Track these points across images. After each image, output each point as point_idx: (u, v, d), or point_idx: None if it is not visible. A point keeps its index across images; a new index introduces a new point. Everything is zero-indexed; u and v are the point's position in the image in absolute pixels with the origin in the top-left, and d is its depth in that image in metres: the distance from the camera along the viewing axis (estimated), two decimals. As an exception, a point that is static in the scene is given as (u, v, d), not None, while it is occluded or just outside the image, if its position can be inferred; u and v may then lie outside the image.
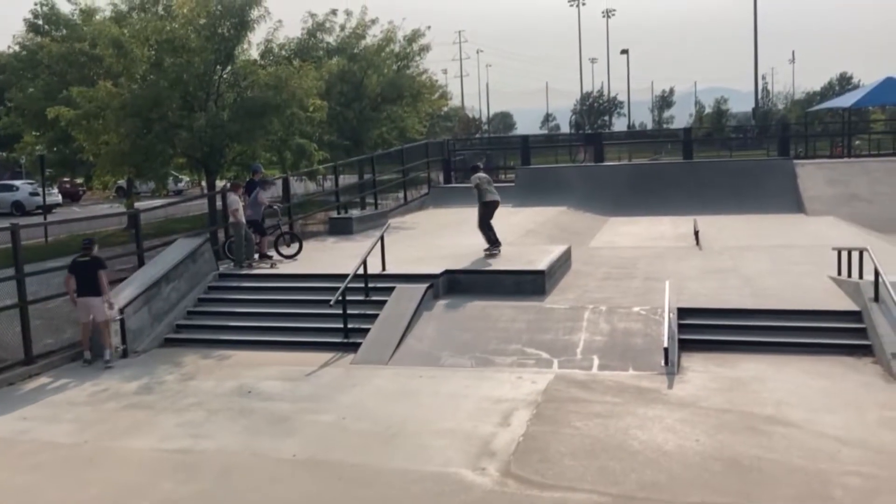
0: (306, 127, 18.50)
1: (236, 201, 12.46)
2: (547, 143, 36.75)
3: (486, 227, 12.99)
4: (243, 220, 12.57)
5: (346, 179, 22.79)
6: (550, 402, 7.63)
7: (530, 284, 11.04)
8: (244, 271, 12.38)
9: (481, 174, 13.28)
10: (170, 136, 16.33)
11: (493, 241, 12.97)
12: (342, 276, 10.74)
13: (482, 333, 9.69)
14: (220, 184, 17.66)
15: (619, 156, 39.99)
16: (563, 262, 12.59)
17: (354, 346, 9.73)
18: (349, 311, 10.25)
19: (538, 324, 9.79)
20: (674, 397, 7.66)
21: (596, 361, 8.76)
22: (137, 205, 18.15)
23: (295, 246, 13.60)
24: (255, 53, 18.81)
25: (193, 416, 7.79)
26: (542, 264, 11.48)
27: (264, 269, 12.44)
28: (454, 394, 8.02)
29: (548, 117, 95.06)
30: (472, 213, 20.69)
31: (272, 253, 13.26)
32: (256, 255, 12.92)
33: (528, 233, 16.57)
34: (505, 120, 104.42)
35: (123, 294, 10.61)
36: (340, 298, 10.07)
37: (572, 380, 8.26)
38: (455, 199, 23.19)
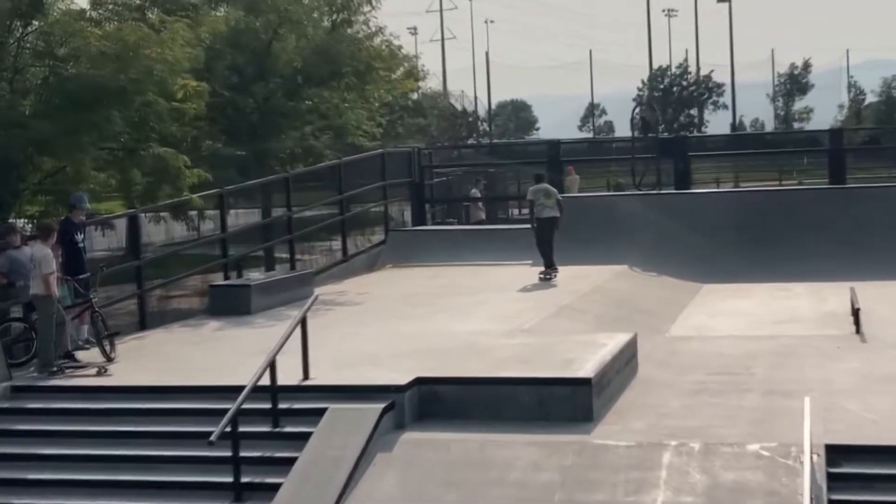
0: (171, 127, 18.61)
1: (46, 259, 12.44)
2: (591, 153, 37.25)
3: (542, 244, 19.56)
4: (56, 291, 12.56)
5: (242, 218, 22.87)
6: None
7: (566, 404, 11.04)
8: (56, 381, 12.32)
9: (540, 186, 19.72)
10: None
11: (549, 264, 19.34)
12: (231, 391, 10.66)
13: (481, 493, 9.61)
14: (20, 225, 17.63)
15: (719, 177, 40.74)
16: (625, 363, 12.64)
17: (252, 517, 9.66)
18: (244, 454, 10.18)
19: (581, 476, 9.73)
20: None
21: (685, 542, 8.66)
22: None
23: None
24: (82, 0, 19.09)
25: None
26: (586, 368, 11.51)
27: (86, 377, 12.41)
28: None
29: (592, 110, 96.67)
30: (462, 274, 21.00)
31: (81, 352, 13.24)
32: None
33: (562, 310, 16.65)
34: (519, 114, 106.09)
35: None
36: (228, 431, 9.96)
37: (643, 576, 8.20)
38: (432, 249, 23.32)
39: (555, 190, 20.50)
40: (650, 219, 23.27)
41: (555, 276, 19.58)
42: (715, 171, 40.53)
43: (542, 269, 19.74)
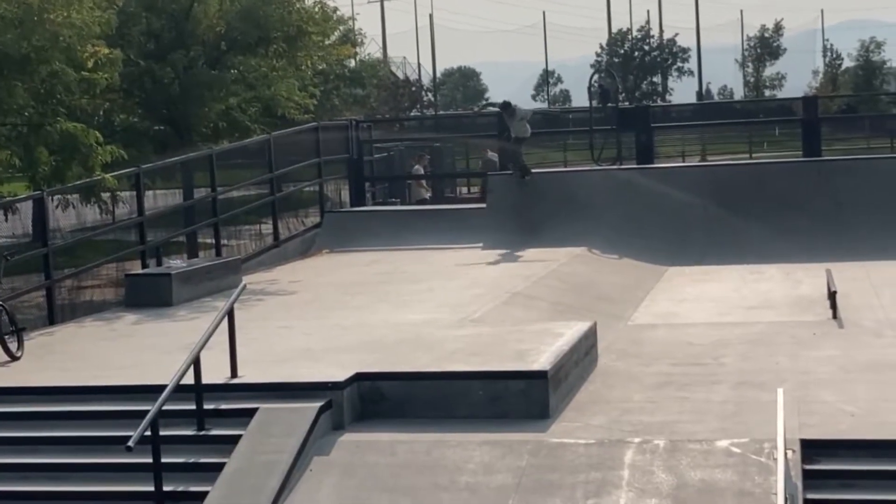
0: (80, 100, 18.41)
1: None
2: (547, 126, 37.35)
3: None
4: None
5: (161, 200, 22.70)
6: None
7: (520, 399, 11.08)
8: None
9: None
10: None
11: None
12: (151, 391, 10.60)
13: (429, 499, 9.63)
14: None
15: (685, 150, 41.05)
16: (583, 354, 12.71)
17: (176, 530, 9.61)
18: (166, 460, 10.08)
19: (537, 477, 9.76)
20: None
21: (650, 548, 8.74)
22: None
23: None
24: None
25: None
26: (542, 360, 11.54)
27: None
28: None
29: (547, 78, 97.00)
30: (406, 259, 21.00)
31: None
32: None
33: (515, 297, 16.72)
34: (467, 82, 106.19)
35: None
36: (147, 435, 9.90)
37: (605, 585, 8.27)
38: (373, 232, 23.30)
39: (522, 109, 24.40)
40: (610, 197, 23.39)
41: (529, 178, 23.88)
42: (680, 144, 40.90)
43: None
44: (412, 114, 60.78)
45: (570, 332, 12.74)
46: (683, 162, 34.54)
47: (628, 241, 21.54)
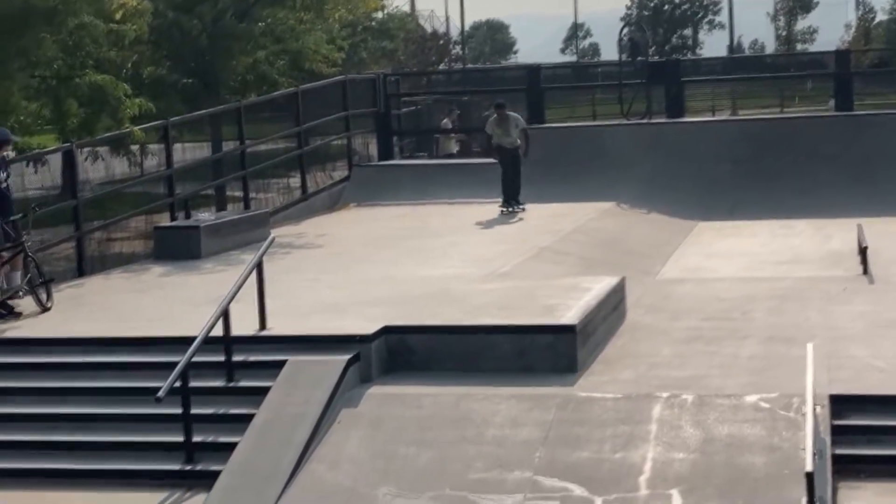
0: (109, 52, 18.42)
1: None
2: (576, 80, 37.19)
3: (502, 175, 20.55)
4: None
5: (189, 153, 22.75)
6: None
7: (548, 353, 11.11)
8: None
9: (493, 118, 20.51)
10: None
11: (506, 197, 20.54)
12: (180, 343, 10.66)
13: (456, 451, 9.67)
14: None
15: (715, 104, 40.78)
16: (612, 309, 12.71)
17: (207, 478, 9.69)
18: (195, 411, 10.18)
19: (564, 431, 9.79)
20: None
21: (677, 502, 8.76)
22: None
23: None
24: None
25: None
26: (570, 314, 11.55)
27: (19, 328, 12.45)
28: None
29: (576, 31, 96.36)
30: (433, 213, 21.00)
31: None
32: None
33: (542, 252, 16.70)
34: (495, 36, 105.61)
35: None
36: (177, 386, 9.97)
37: (632, 538, 8.30)
38: (400, 186, 23.28)
39: (516, 117, 21.01)
40: (640, 151, 23.30)
41: (517, 210, 20.46)
42: (710, 98, 40.58)
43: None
44: (440, 67, 60.51)
45: (598, 287, 12.72)
46: (713, 116, 34.27)
47: (657, 196, 21.47)
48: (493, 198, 21.32)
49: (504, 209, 20.43)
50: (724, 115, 37.21)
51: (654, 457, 9.30)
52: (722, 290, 14.88)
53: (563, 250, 17.10)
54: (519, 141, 20.48)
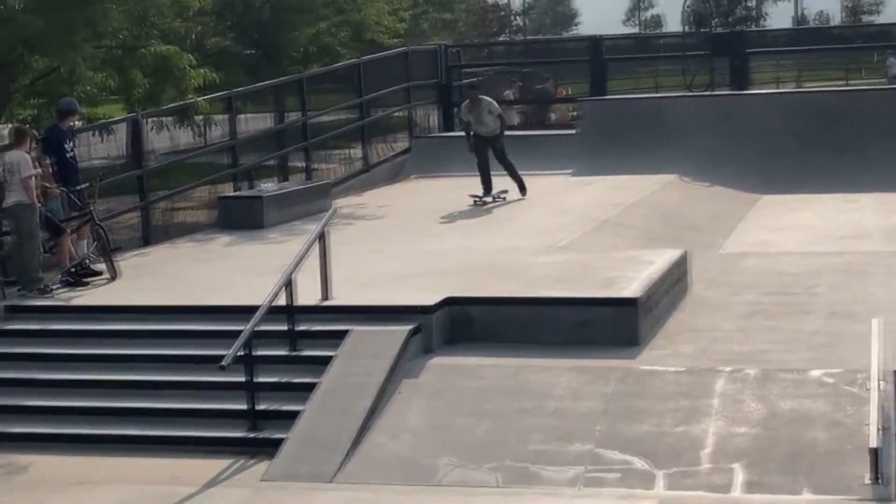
0: (173, 22, 18.53)
1: (24, 162, 12.50)
2: (639, 51, 36.83)
3: (479, 165, 18.78)
4: (37, 202, 12.64)
5: (252, 124, 22.88)
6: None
7: (609, 326, 11.13)
8: (53, 301, 12.48)
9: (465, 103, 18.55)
10: None
11: (485, 187, 18.50)
12: (244, 312, 10.76)
13: (516, 423, 9.73)
14: (6, 132, 17.71)
15: (779, 76, 40.27)
16: (674, 282, 12.68)
17: (270, 446, 9.82)
18: (260, 379, 10.30)
19: (624, 404, 9.82)
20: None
21: (739, 476, 8.76)
22: None
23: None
24: None
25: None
26: (632, 287, 11.57)
27: (87, 297, 12.59)
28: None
29: (639, 3, 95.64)
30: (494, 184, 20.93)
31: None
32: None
33: (604, 225, 16.65)
34: (556, 7, 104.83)
35: None
36: (241, 355, 10.07)
37: (693, 512, 8.30)
38: (461, 158, 23.23)
39: (490, 101, 18.91)
40: (703, 123, 23.07)
41: (493, 199, 18.61)
42: (775, 70, 40.07)
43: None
44: (501, 39, 60.26)
45: (660, 260, 12.70)
46: (778, 88, 33.86)
47: (720, 169, 21.28)
48: (553, 170, 21.26)
49: (477, 199, 18.49)
50: (788, 88, 36.77)
51: (716, 431, 9.31)
52: (785, 265, 14.77)
53: (625, 223, 17.04)
54: (496, 129, 18.65)
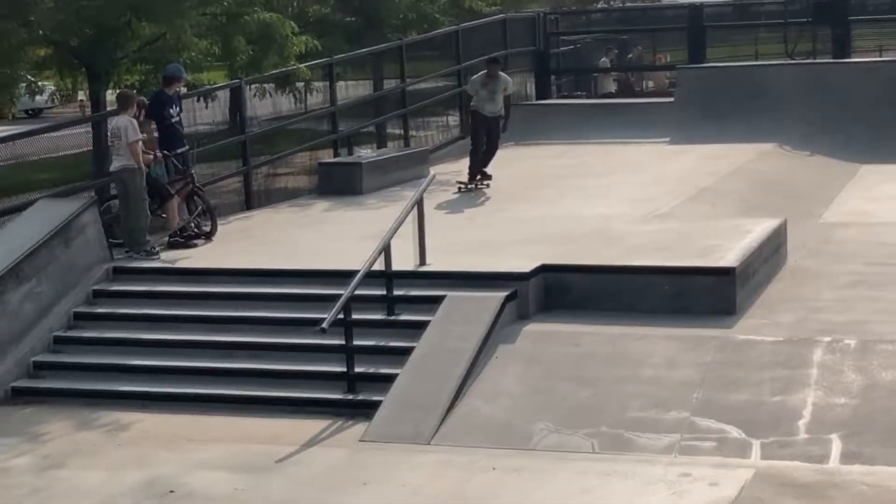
0: (277, -10, 18.67)
1: (130, 127, 12.69)
2: (739, 18, 36.22)
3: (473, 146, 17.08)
4: (143, 166, 12.81)
5: (352, 91, 22.97)
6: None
7: (707, 295, 11.06)
8: (157, 263, 12.67)
9: (478, 76, 16.89)
10: (20, 7, 16.64)
11: (473, 171, 16.92)
12: (343, 276, 10.85)
13: (612, 390, 9.74)
14: (113, 97, 17.99)
15: (882, 44, 39.30)
16: (772, 252, 12.54)
17: (367, 408, 9.94)
18: (357, 342, 10.41)
19: (721, 373, 9.78)
20: None
21: (837, 447, 8.68)
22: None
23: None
24: None
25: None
26: (729, 256, 11.46)
27: (191, 259, 12.77)
28: (558, 507, 8.05)
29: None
30: (590, 153, 20.82)
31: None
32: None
33: (702, 193, 16.45)
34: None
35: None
36: (340, 318, 10.16)
37: (790, 482, 8.19)
38: (558, 125, 23.14)
39: (506, 79, 17.29)
40: (803, 92, 22.63)
41: (479, 186, 16.95)
42: (878, 38, 39.11)
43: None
44: (599, 6, 59.71)
45: (758, 229, 12.55)
46: (881, 57, 33.04)
47: (820, 138, 20.88)
48: (651, 138, 21.04)
49: (462, 186, 16.85)
50: (892, 56, 35.91)
51: (814, 401, 9.23)
52: (885, 235, 14.47)
53: (723, 192, 16.82)
54: (502, 111, 16.94)
